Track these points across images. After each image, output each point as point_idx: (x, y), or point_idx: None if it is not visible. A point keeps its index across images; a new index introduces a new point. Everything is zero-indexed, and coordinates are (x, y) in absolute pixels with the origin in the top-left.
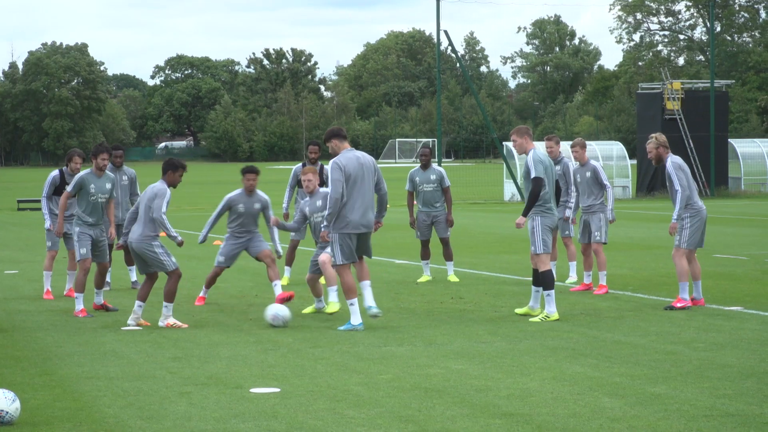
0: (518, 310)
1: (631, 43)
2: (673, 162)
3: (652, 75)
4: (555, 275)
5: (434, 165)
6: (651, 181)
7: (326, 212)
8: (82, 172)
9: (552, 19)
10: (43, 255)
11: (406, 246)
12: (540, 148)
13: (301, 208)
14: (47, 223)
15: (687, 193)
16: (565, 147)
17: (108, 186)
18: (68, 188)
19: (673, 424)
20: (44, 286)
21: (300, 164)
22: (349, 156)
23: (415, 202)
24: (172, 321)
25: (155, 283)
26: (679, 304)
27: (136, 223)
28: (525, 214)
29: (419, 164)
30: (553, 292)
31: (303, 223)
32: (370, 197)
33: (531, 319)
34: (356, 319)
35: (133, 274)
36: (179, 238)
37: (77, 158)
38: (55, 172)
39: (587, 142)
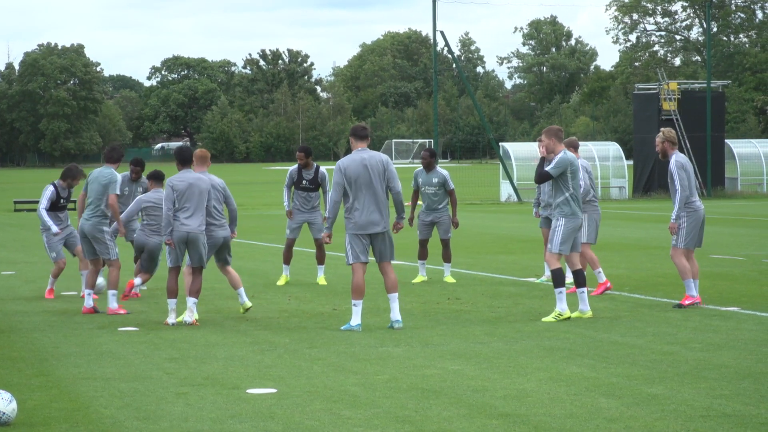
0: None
1: (628, 44)
2: (677, 161)
3: (649, 75)
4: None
5: (438, 168)
6: (647, 181)
7: (326, 214)
8: (119, 174)
9: (548, 19)
10: (40, 256)
11: (402, 247)
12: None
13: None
14: (54, 229)
15: (686, 194)
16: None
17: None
18: (117, 191)
19: (670, 424)
20: (48, 285)
21: (295, 165)
22: (353, 157)
23: (419, 201)
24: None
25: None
26: (687, 302)
27: (193, 216)
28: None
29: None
30: (564, 289)
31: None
32: (375, 198)
33: (544, 319)
34: (356, 320)
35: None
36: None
37: (81, 177)
38: (52, 188)
39: (582, 143)
